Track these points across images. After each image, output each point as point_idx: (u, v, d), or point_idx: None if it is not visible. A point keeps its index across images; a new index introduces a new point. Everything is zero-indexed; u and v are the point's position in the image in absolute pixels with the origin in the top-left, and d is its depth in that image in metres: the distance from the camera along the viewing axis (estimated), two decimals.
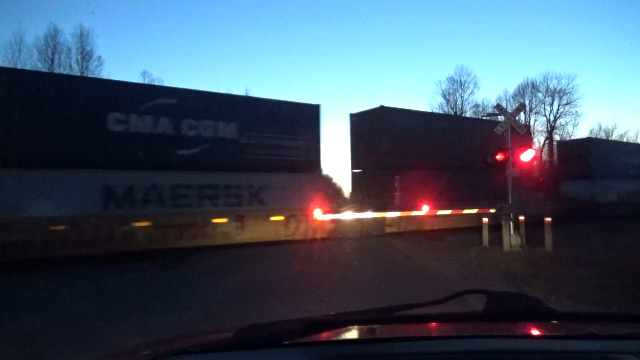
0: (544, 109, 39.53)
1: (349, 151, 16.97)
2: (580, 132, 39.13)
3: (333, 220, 13.55)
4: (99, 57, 29.49)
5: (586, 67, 55.17)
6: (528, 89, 39.17)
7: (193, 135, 11.53)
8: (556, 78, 38.74)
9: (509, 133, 11.52)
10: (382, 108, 15.55)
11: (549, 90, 38.91)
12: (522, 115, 33.29)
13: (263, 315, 5.09)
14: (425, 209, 14.85)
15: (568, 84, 38.41)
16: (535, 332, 1.30)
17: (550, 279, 6.95)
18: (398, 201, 14.44)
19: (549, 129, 38.37)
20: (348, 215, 13.54)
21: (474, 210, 14.90)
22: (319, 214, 12.85)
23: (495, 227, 11.61)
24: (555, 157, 30.17)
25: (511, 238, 10.44)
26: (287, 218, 12.65)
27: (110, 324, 4.98)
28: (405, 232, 14.34)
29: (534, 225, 10.92)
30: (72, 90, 10.47)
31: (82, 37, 28.70)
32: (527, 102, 37.48)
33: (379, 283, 7.32)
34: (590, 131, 40.86)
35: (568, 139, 35.26)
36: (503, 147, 11.37)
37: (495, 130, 11.75)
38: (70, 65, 27.99)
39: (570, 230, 13.05)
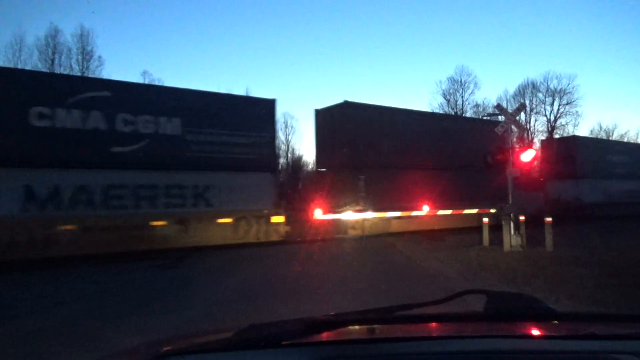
0: (545, 109, 39.62)
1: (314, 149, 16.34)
2: (580, 132, 39.17)
3: (311, 221, 13.18)
4: (100, 57, 29.55)
5: (586, 67, 55.32)
6: (528, 89, 39.26)
7: (130, 131, 10.64)
8: (556, 78, 38.82)
9: (510, 133, 11.52)
10: (346, 103, 14.65)
11: (550, 90, 39.00)
12: (522, 115, 33.32)
13: (263, 315, 5.08)
14: (425, 209, 14.81)
15: (568, 84, 38.50)
16: (535, 332, 1.30)
17: (550, 279, 6.95)
18: (363, 202, 13.70)
19: (550, 129, 38.40)
20: (348, 215, 13.51)
21: (474, 210, 14.90)
22: (319, 214, 12.84)
23: (496, 227, 11.60)
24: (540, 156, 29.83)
25: (511, 238, 10.43)
26: (236, 220, 11.81)
27: (110, 324, 4.98)
28: (378, 235, 13.69)
29: (533, 225, 10.92)
30: None
31: (83, 37, 28.75)
32: (527, 102, 37.56)
33: (378, 283, 7.32)
34: (591, 131, 40.94)
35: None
36: (503, 147, 11.36)
37: (495, 130, 11.74)
38: (71, 65, 28.03)
39: (571, 231, 13.05)
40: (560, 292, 6.10)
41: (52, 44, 27.87)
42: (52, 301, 6.32)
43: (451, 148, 16.23)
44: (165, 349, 1.25)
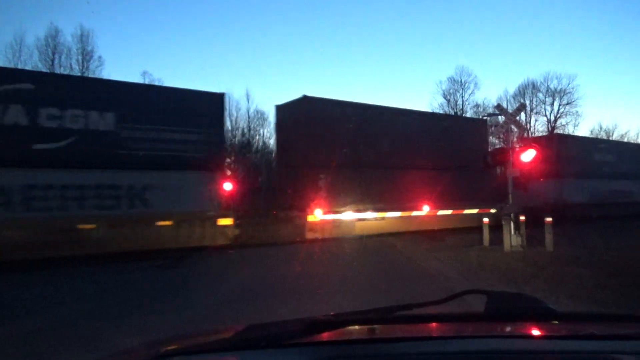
0: (545, 109, 39.61)
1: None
2: (580, 132, 39.16)
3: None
4: (100, 57, 29.48)
5: (586, 67, 55.27)
6: (528, 89, 39.24)
7: (55, 127, 9.77)
8: (556, 78, 38.80)
9: (510, 133, 11.52)
10: (305, 98, 13.74)
11: (550, 90, 38.99)
12: (522, 115, 33.31)
13: (263, 316, 5.09)
14: (425, 209, 14.74)
15: (568, 84, 38.48)
16: (535, 332, 1.30)
17: (550, 279, 6.95)
18: (324, 203, 12.99)
19: (550, 129, 38.39)
20: (348, 216, 13.49)
21: (475, 210, 14.86)
22: (319, 214, 12.81)
23: (496, 227, 11.58)
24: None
25: (511, 238, 10.44)
26: (178, 223, 10.80)
27: (110, 324, 4.98)
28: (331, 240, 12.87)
29: (533, 225, 10.92)
30: None
31: (83, 38, 28.70)
32: (527, 102, 37.53)
33: (379, 283, 7.32)
34: (591, 131, 40.90)
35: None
36: (504, 147, 11.34)
37: (496, 130, 11.74)
38: (71, 66, 27.98)
39: (571, 231, 13.05)
40: (561, 292, 6.10)
41: (52, 44, 27.83)
42: (52, 301, 6.32)
43: (430, 146, 15.55)
44: (165, 349, 1.25)
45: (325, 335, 1.20)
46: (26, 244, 9.25)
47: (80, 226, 9.94)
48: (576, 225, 14.98)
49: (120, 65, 46.73)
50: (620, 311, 5.05)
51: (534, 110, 39.46)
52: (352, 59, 57.16)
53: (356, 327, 1.33)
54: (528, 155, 10.99)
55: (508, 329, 1.34)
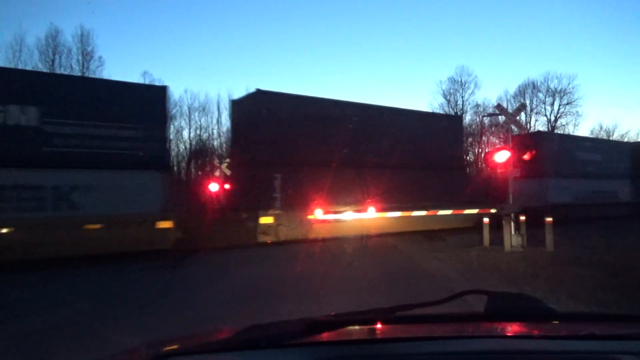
0: (545, 109, 39.62)
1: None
2: (581, 132, 39.14)
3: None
4: (100, 57, 29.49)
5: (587, 67, 55.24)
6: (529, 89, 39.25)
7: None
8: (557, 78, 38.81)
9: (510, 133, 11.52)
10: (258, 92, 13.02)
11: (550, 90, 38.99)
12: (522, 115, 33.26)
13: (264, 316, 5.09)
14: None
15: (569, 84, 38.49)
16: (535, 332, 1.30)
17: (550, 279, 6.95)
18: (280, 203, 12.34)
19: (550, 129, 38.38)
20: (348, 216, 13.45)
21: (475, 210, 14.80)
22: (319, 214, 12.75)
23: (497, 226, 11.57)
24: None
25: (512, 238, 10.44)
26: (110, 226, 9.89)
27: (111, 324, 4.99)
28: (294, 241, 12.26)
29: (534, 226, 10.91)
30: None
31: (83, 38, 28.71)
32: (527, 102, 37.54)
33: (379, 283, 7.32)
34: (591, 131, 40.89)
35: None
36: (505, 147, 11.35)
37: (496, 130, 11.75)
38: (71, 66, 27.98)
39: (571, 231, 13.05)
40: (561, 292, 6.10)
41: (52, 45, 27.83)
42: (53, 301, 6.32)
43: (401, 144, 14.74)
44: (165, 349, 1.26)
45: (326, 336, 1.21)
46: None
47: None
48: (577, 225, 14.98)
49: (120, 65, 46.79)
50: (620, 311, 5.05)
51: (534, 110, 39.51)
52: (352, 59, 57.20)
53: (356, 327, 1.33)
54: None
55: (508, 329, 1.34)
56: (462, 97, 38.68)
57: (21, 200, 9.25)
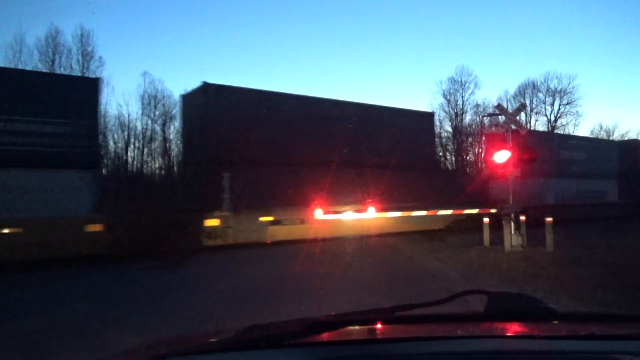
0: (545, 109, 39.56)
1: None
2: (581, 132, 39.09)
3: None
4: (100, 57, 29.43)
5: (587, 67, 55.20)
6: (529, 89, 39.17)
7: None
8: (557, 78, 38.73)
9: (509, 133, 11.51)
10: (205, 86, 12.16)
11: (550, 90, 38.92)
12: (522, 115, 33.22)
13: (264, 316, 5.09)
14: (423, 211, 14.25)
15: (569, 84, 38.40)
16: (535, 332, 1.30)
17: (551, 279, 6.95)
18: (230, 204, 11.53)
19: (550, 129, 38.37)
20: (348, 216, 13.40)
21: (475, 210, 14.74)
22: (319, 214, 12.69)
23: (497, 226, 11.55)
24: (483, 152, 26.32)
25: (512, 238, 10.44)
26: (30, 230, 9.05)
27: (111, 324, 4.98)
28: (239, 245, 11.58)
29: (534, 226, 10.91)
30: None
31: (83, 38, 28.67)
32: (527, 102, 37.51)
33: (379, 283, 7.32)
34: (591, 131, 40.80)
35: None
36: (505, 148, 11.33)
37: (495, 130, 11.74)
38: (71, 66, 27.93)
39: (571, 231, 13.04)
40: (561, 292, 6.09)
41: (52, 45, 27.76)
42: (53, 301, 6.32)
43: (368, 141, 14.01)
44: (165, 349, 1.26)
45: (326, 336, 1.21)
46: None
47: None
48: (577, 225, 14.98)
49: (120, 65, 46.78)
50: (620, 311, 5.05)
51: (534, 110, 39.43)
52: (352, 59, 57.16)
53: (356, 327, 1.33)
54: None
55: (508, 329, 1.34)
56: (462, 97, 38.64)
57: None
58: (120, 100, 44.52)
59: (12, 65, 25.27)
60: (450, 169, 33.56)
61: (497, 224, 11.36)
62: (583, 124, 69.39)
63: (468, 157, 35.58)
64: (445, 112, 37.97)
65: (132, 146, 29.19)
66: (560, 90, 38.63)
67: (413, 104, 62.99)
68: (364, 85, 52.98)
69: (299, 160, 12.84)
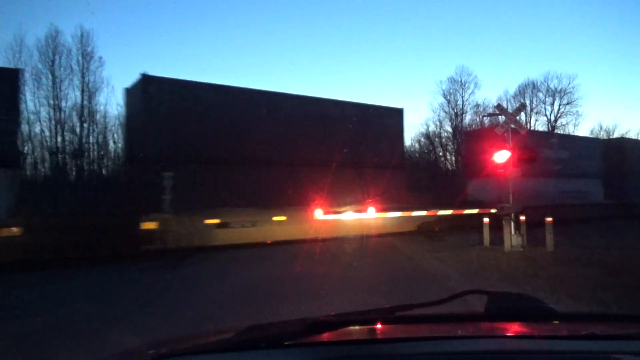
0: (545, 109, 39.57)
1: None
2: (581, 132, 39.08)
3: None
4: (100, 57, 29.41)
5: (587, 67, 55.19)
6: (529, 89, 39.18)
7: None
8: (557, 78, 38.74)
9: (510, 133, 11.51)
10: (145, 78, 11.31)
11: (550, 90, 38.93)
12: (522, 115, 33.20)
13: (264, 316, 5.09)
14: (424, 211, 14.15)
15: (569, 84, 38.41)
16: (535, 332, 1.30)
17: (551, 279, 6.95)
18: (170, 206, 10.64)
19: (550, 128, 38.37)
20: (349, 216, 13.39)
21: (475, 210, 14.71)
22: (320, 214, 12.66)
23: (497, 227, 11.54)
24: (464, 150, 25.96)
25: (512, 238, 10.44)
26: None
27: (111, 324, 4.98)
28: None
29: (534, 226, 10.91)
30: None
31: (83, 38, 28.66)
32: (527, 102, 37.52)
33: (379, 283, 7.32)
34: (591, 131, 40.80)
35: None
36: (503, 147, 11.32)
37: (495, 130, 11.74)
38: (71, 66, 27.95)
39: (571, 231, 13.05)
40: (561, 292, 6.10)
41: (52, 45, 27.74)
42: (53, 301, 6.32)
43: (327, 139, 13.24)
44: (166, 349, 1.26)
45: (326, 336, 1.21)
46: None
47: None
48: (577, 225, 14.98)
49: (121, 65, 46.76)
50: (620, 311, 5.05)
51: (534, 110, 39.44)
52: (352, 59, 57.12)
53: (357, 327, 1.33)
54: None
55: (508, 329, 1.34)
56: (462, 97, 38.62)
57: None
58: (120, 100, 44.67)
59: (12, 65, 25.31)
60: (450, 168, 33.58)
61: (496, 223, 11.35)
62: (583, 124, 69.46)
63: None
64: (445, 112, 37.99)
65: None
66: (560, 90, 38.66)
67: (413, 104, 62.95)
68: (364, 85, 53.00)
69: (254, 158, 12.00)
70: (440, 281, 7.43)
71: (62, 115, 24.57)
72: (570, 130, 38.49)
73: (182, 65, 46.82)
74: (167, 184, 10.64)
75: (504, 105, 28.63)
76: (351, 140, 13.71)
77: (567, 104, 38.86)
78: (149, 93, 11.28)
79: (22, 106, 22.09)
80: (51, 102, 24.22)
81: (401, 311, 1.35)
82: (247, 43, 52.92)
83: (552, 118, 39.28)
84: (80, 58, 28.72)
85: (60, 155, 23.62)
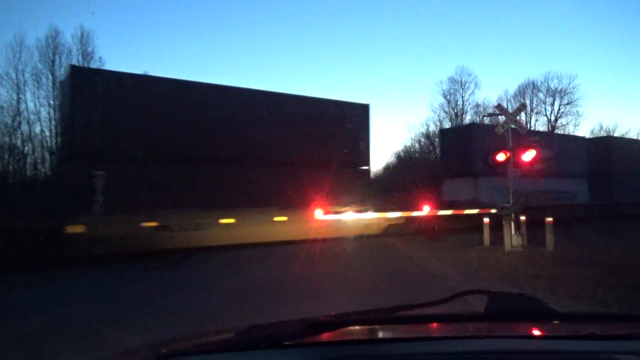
0: (545, 109, 39.59)
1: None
2: (581, 132, 39.07)
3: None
4: (100, 57, 29.40)
5: (587, 67, 55.20)
6: (529, 89, 39.22)
7: None
8: (557, 78, 38.79)
9: (510, 133, 11.51)
10: (74, 70, 10.77)
11: (550, 90, 38.97)
12: (523, 115, 33.16)
13: (264, 316, 5.09)
14: (426, 210, 14.08)
15: (569, 84, 38.45)
16: (536, 332, 1.30)
17: (551, 279, 6.95)
18: (101, 208, 9.91)
19: (550, 129, 38.37)
20: (349, 216, 13.37)
21: (475, 211, 14.68)
22: (320, 214, 12.62)
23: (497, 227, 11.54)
24: (438, 148, 25.41)
25: (512, 238, 10.44)
26: None
27: (111, 324, 4.99)
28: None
29: (534, 226, 10.92)
30: None
31: (83, 38, 28.66)
32: (528, 102, 37.53)
33: (379, 283, 7.33)
34: (591, 131, 40.81)
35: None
36: (504, 147, 11.32)
37: (495, 130, 11.74)
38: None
39: (571, 231, 13.05)
40: (562, 292, 6.10)
41: (52, 45, 27.74)
42: (53, 301, 6.32)
43: (283, 136, 12.40)
44: (166, 349, 1.26)
45: (326, 336, 1.21)
46: None
47: None
48: (577, 226, 14.98)
49: (121, 65, 46.78)
50: (620, 311, 5.04)
51: (535, 110, 39.48)
52: (352, 59, 57.14)
53: (357, 327, 1.33)
54: (528, 156, 10.98)
55: (508, 329, 1.34)
56: (462, 97, 38.66)
57: None
58: None
59: (12, 66, 25.28)
60: None
61: (495, 224, 11.32)
62: (583, 124, 69.51)
63: None
64: (445, 112, 38.06)
65: None
66: (561, 90, 38.69)
67: (413, 104, 63.02)
68: (364, 85, 53.02)
69: (199, 156, 11.16)
70: (441, 281, 7.43)
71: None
72: (571, 130, 38.52)
73: (183, 65, 46.84)
74: (98, 184, 9.89)
75: (504, 105, 28.66)
76: (311, 138, 12.98)
77: (568, 104, 38.91)
78: (79, 87, 10.31)
79: (22, 106, 22.02)
80: (51, 102, 24.22)
81: (401, 311, 1.35)
82: (247, 43, 52.96)
83: (553, 118, 39.32)
84: (80, 58, 28.68)
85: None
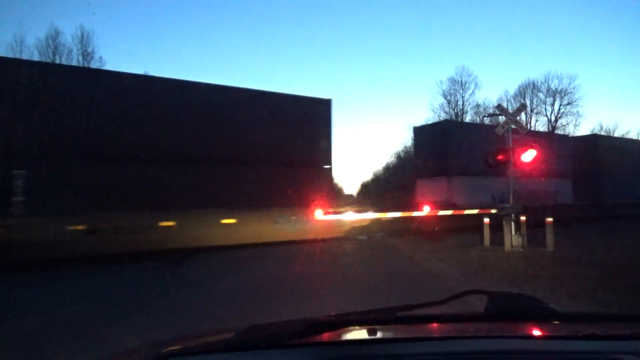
0: (545, 109, 39.65)
1: None
2: (581, 132, 39.08)
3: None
4: (100, 57, 29.50)
5: (587, 67, 55.26)
6: (529, 89, 39.31)
7: None
8: (557, 78, 38.88)
9: (510, 133, 11.51)
10: None
11: (550, 90, 39.04)
12: (523, 115, 33.12)
13: (264, 316, 5.09)
14: (426, 209, 14.04)
15: (569, 84, 38.52)
16: (536, 332, 1.30)
17: (551, 279, 6.95)
18: (21, 209, 9.02)
19: (550, 129, 38.39)
20: (349, 216, 13.38)
21: (475, 211, 14.67)
22: (320, 214, 12.60)
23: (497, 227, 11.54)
24: (413, 147, 24.86)
25: (512, 238, 10.44)
26: None
27: (111, 324, 4.99)
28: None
29: (535, 226, 10.92)
30: None
31: (83, 38, 28.73)
32: (528, 103, 37.57)
33: (379, 283, 7.33)
34: (592, 131, 40.82)
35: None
36: (503, 148, 11.31)
37: (495, 130, 11.74)
38: None
39: (572, 231, 13.05)
40: (562, 292, 6.10)
41: (52, 45, 27.85)
42: (53, 301, 6.32)
43: (234, 133, 11.73)
44: (166, 349, 1.26)
45: (326, 336, 1.21)
46: None
47: None
48: (577, 226, 14.98)
49: (121, 65, 46.79)
50: (620, 311, 5.04)
51: (535, 111, 39.58)
52: (352, 59, 57.16)
53: (357, 327, 1.33)
54: (529, 156, 10.96)
55: (509, 329, 1.34)
56: (463, 97, 38.75)
57: None
58: None
59: None
60: None
61: (494, 224, 11.33)
62: (583, 124, 69.53)
63: None
64: (446, 112, 38.13)
65: None
66: (561, 90, 38.76)
67: (412, 104, 63.05)
68: (364, 84, 53.01)
69: (128, 154, 10.29)
70: (441, 281, 7.42)
71: None
72: (571, 130, 38.55)
73: (183, 65, 46.89)
74: (18, 184, 9.06)
75: (505, 105, 28.65)
76: (268, 134, 12.24)
77: (568, 104, 38.98)
78: None
79: None
80: None
81: (401, 311, 1.35)
82: (247, 43, 52.96)
83: (553, 118, 39.36)
84: (80, 58, 28.77)
85: None
